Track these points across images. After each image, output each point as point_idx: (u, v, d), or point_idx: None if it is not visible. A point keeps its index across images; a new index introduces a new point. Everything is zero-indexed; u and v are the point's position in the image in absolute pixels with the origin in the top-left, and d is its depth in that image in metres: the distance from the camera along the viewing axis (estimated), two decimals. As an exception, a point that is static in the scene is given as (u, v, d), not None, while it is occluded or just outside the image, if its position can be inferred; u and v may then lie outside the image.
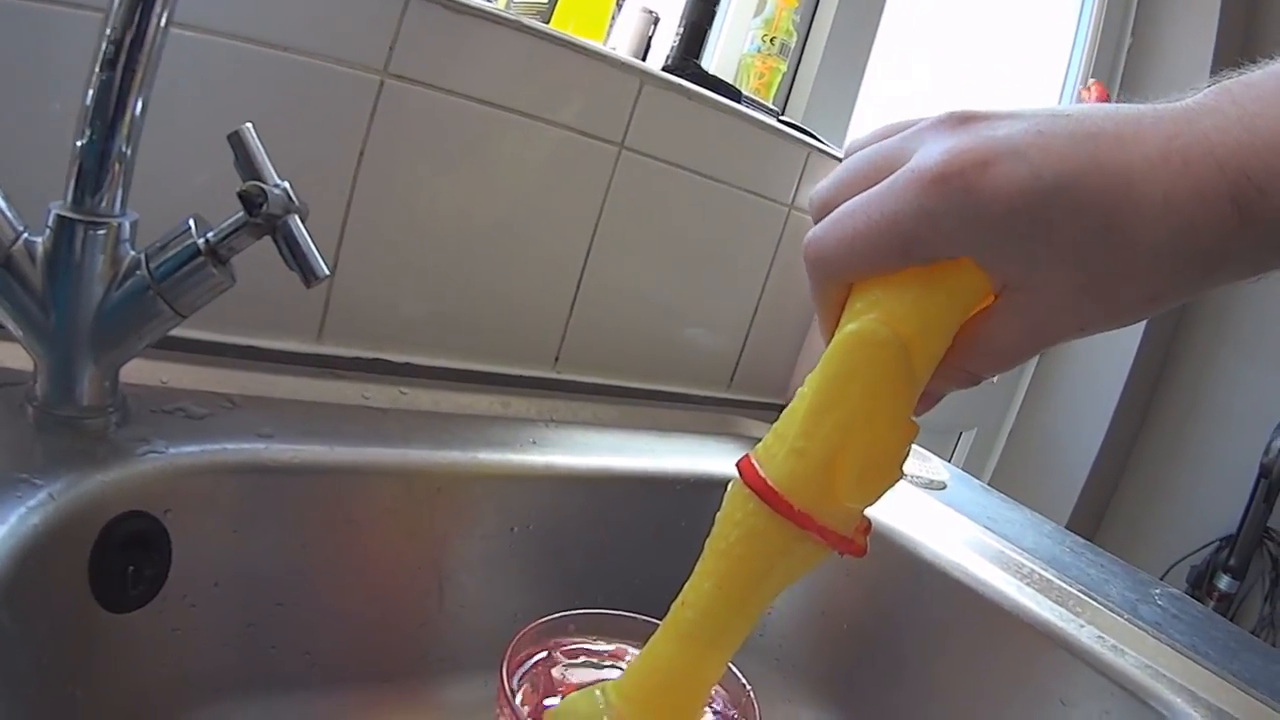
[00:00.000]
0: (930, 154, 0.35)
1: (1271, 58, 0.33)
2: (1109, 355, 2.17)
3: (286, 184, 0.48)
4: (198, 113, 0.61)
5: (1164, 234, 0.32)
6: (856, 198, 0.37)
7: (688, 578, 0.41)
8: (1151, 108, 0.34)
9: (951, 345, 0.38)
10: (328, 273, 0.47)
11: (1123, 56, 2.12)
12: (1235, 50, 2.16)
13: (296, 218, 0.47)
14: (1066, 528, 2.19)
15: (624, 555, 0.74)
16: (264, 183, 0.47)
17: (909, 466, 0.43)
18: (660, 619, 0.47)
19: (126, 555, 0.48)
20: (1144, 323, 2.05)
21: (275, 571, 0.56)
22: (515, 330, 0.83)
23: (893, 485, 0.39)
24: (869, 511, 0.40)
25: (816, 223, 0.39)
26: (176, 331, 0.50)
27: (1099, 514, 2.35)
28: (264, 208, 0.45)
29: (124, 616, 0.49)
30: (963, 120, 0.36)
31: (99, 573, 0.47)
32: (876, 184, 0.36)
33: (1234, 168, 0.31)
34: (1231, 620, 2.18)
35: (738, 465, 0.40)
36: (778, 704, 0.78)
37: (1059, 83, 2.04)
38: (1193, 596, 2.19)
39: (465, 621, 0.66)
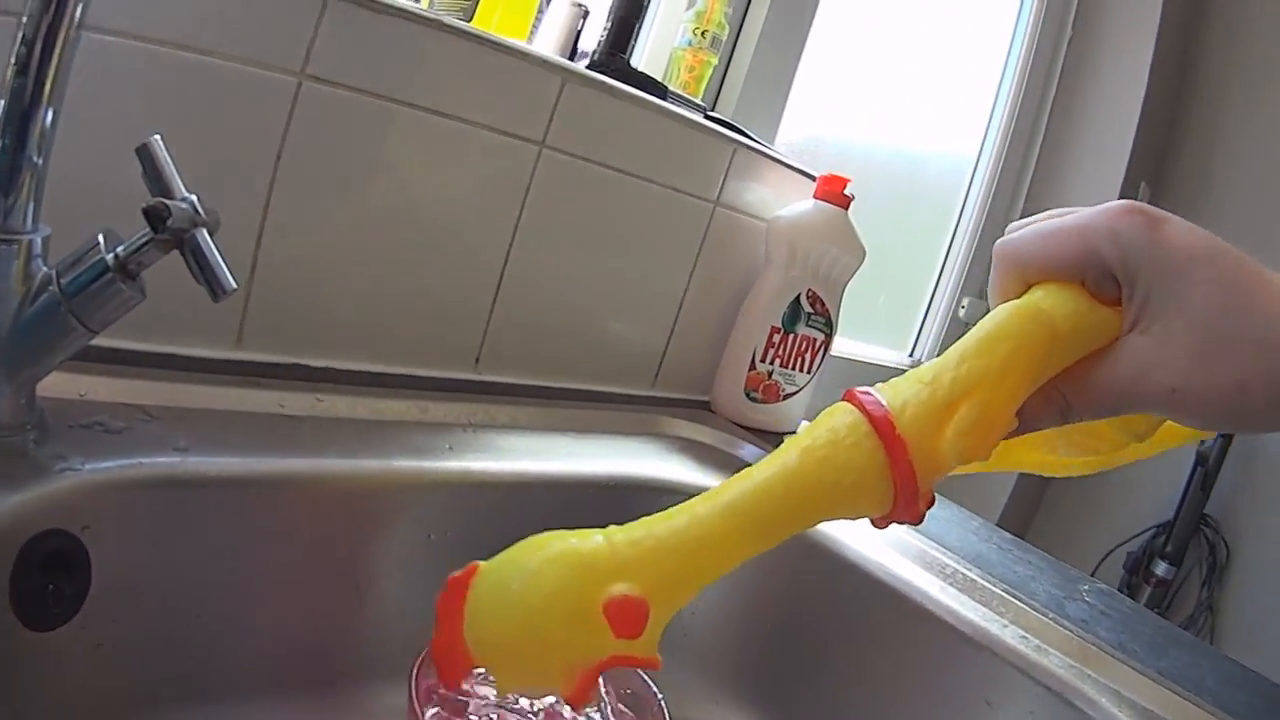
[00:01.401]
0: (1120, 200, 0.44)
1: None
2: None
3: (194, 196, 0.48)
4: (110, 119, 0.62)
5: (1276, 327, 0.40)
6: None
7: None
8: None
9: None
10: (235, 286, 0.48)
11: (1063, 49, 2.16)
12: (1177, 45, 2.23)
13: (204, 231, 0.48)
14: (1004, 513, 2.24)
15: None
16: (171, 196, 0.48)
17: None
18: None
19: (47, 573, 0.49)
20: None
21: (196, 584, 0.57)
22: (436, 332, 0.85)
23: (979, 460, 0.42)
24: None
25: None
26: (95, 341, 0.51)
27: (1036, 500, 2.41)
28: (169, 223, 0.47)
29: (47, 634, 0.49)
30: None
31: (19, 591, 0.47)
32: None
33: None
34: (1169, 607, 2.26)
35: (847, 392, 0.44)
36: (704, 705, 0.80)
37: (998, 73, 2.07)
38: (1129, 583, 2.27)
39: (387, 629, 0.67)
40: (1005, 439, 0.44)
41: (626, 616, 0.41)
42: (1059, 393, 0.44)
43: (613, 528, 0.43)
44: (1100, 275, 0.44)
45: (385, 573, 0.66)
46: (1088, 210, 0.45)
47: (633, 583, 0.41)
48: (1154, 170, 2.33)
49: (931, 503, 0.44)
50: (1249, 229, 2.27)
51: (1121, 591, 2.28)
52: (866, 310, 1.90)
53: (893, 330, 2.06)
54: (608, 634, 0.41)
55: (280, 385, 0.71)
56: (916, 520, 0.43)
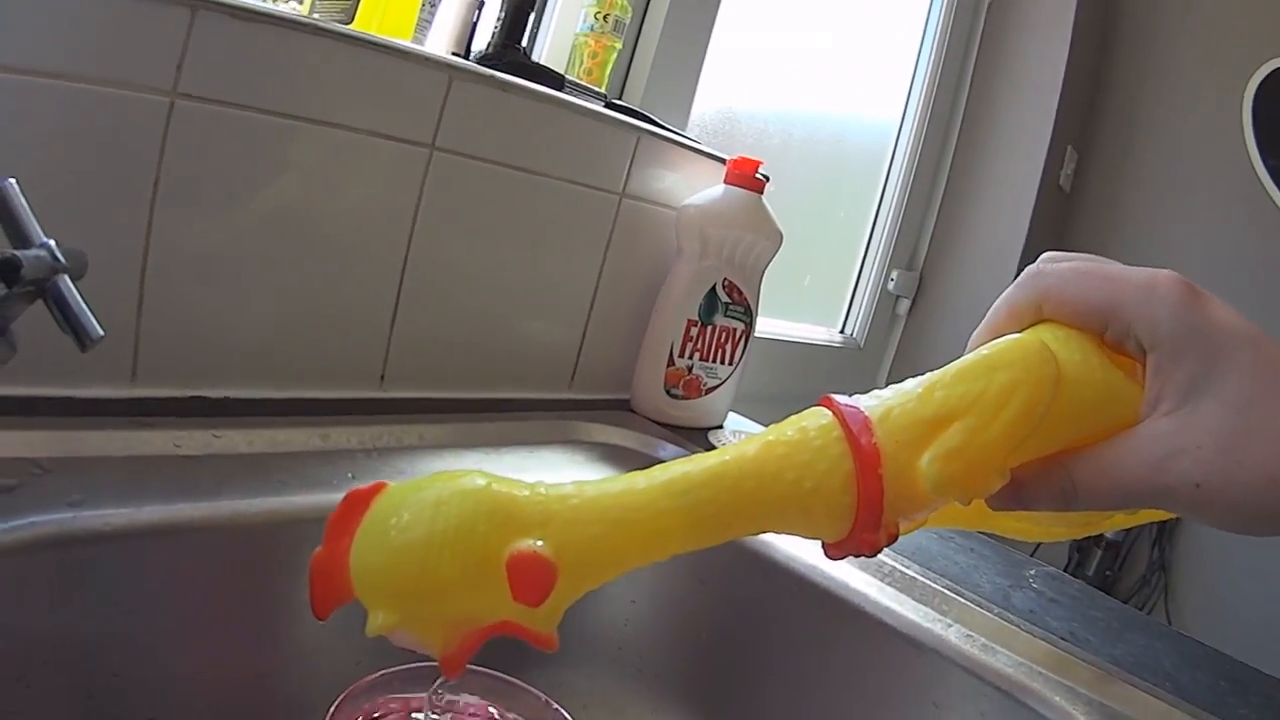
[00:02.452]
0: (1166, 270, 0.41)
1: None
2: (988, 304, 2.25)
3: (52, 242, 0.48)
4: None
5: None
6: None
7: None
8: None
9: (1077, 444, 0.41)
10: (102, 334, 0.48)
11: (984, 10, 2.19)
12: (1099, 5, 2.26)
13: (66, 278, 0.48)
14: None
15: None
16: (30, 242, 0.47)
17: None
18: (496, 668, 0.47)
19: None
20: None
21: (104, 641, 0.56)
22: (338, 351, 0.85)
23: (957, 497, 0.40)
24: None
25: None
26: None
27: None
28: (23, 274, 0.46)
29: (-41, 708, 0.48)
30: None
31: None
32: None
33: None
34: (1121, 568, 2.30)
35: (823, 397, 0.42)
36: (646, 717, 0.79)
37: (918, 35, 2.09)
38: (1079, 547, 2.31)
39: (305, 668, 0.66)
40: (995, 507, 0.42)
41: (530, 577, 0.37)
42: (1065, 472, 0.41)
43: (549, 485, 0.40)
44: (1121, 331, 0.41)
45: (298, 612, 0.64)
46: (1132, 267, 0.42)
47: (548, 542, 0.37)
48: (1080, 133, 2.37)
49: (894, 538, 0.41)
50: (1174, 191, 2.32)
51: (1072, 556, 2.34)
52: (794, 288, 1.92)
53: (822, 307, 2.07)
54: (506, 594, 0.37)
55: (176, 424, 0.70)
56: (872, 551, 0.40)
